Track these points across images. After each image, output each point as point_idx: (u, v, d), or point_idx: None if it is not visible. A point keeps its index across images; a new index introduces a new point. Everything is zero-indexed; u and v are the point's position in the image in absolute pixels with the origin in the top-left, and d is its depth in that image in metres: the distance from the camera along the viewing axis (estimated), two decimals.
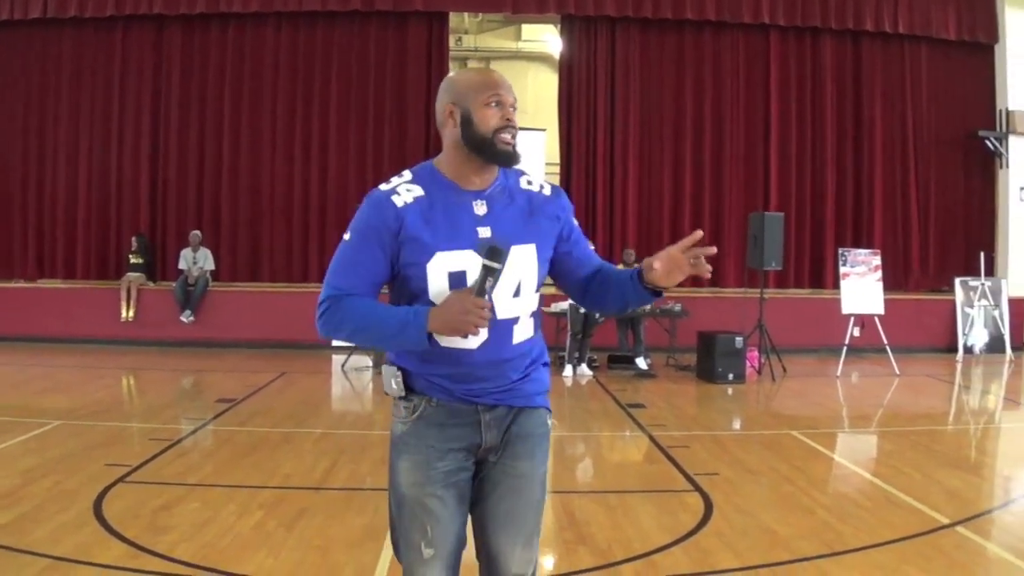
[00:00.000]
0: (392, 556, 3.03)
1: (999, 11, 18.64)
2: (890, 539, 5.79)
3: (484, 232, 2.78)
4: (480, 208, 2.82)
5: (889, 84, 18.80)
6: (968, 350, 16.77)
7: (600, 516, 6.30)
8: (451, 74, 3.00)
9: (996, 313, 17.11)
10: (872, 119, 18.63)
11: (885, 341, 14.12)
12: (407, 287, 2.80)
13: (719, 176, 18.02)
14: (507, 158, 2.85)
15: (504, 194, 2.89)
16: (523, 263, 2.83)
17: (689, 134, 18.11)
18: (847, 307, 14.35)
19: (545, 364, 3.05)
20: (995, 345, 16.90)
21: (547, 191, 3.01)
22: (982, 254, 17.29)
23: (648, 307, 13.28)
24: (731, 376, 12.78)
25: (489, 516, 2.92)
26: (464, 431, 2.87)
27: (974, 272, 17.27)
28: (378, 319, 2.76)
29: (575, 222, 3.08)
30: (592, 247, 3.19)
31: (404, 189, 2.79)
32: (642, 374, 13.45)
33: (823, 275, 17.90)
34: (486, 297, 2.64)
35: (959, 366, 15.72)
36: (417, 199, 2.76)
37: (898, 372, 13.87)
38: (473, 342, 2.76)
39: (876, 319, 14.31)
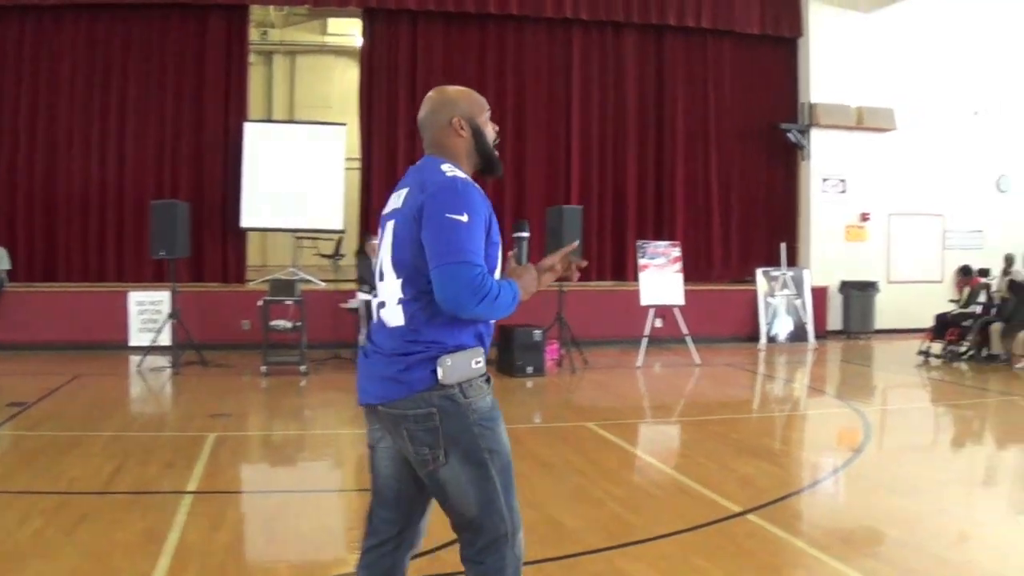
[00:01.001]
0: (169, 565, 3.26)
1: (803, 6, 20.26)
2: (679, 529, 6.21)
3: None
4: None
5: (692, 78, 20.04)
6: (771, 339, 18.24)
7: None
8: (446, 90, 3.56)
9: (799, 302, 18.67)
10: (674, 113, 19.81)
11: (685, 331, 15.11)
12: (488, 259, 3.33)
13: (521, 170, 18.80)
14: (500, 167, 3.61)
15: None
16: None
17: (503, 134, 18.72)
18: (646, 299, 15.23)
19: None
20: (798, 334, 18.49)
21: None
22: (783, 245, 18.79)
23: None
24: (530, 369, 13.56)
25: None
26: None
27: (777, 263, 18.74)
28: (507, 291, 3.31)
29: None
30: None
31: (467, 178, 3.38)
32: None
33: (625, 267, 18.86)
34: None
35: (761, 355, 17.06)
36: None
37: (699, 362, 14.88)
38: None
39: (676, 310, 15.28)
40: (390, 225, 3.41)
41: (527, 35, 19.20)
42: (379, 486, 3.56)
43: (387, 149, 18.56)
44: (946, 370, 15.49)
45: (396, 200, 3.45)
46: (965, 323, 16.46)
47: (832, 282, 20.11)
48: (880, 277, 20.44)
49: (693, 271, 18.68)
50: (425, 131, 3.53)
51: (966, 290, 17.48)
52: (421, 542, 3.74)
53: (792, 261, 19.87)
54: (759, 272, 18.93)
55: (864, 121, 20.38)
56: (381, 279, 3.42)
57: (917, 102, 20.87)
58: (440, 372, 3.26)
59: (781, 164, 20.80)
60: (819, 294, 19.60)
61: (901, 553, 5.97)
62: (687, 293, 16.07)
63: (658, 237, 18.07)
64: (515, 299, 3.32)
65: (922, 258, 21.10)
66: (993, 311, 16.38)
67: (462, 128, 3.46)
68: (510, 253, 3.55)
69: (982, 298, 17.02)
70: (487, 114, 3.55)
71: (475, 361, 3.34)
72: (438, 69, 18.62)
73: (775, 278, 18.88)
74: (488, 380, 3.43)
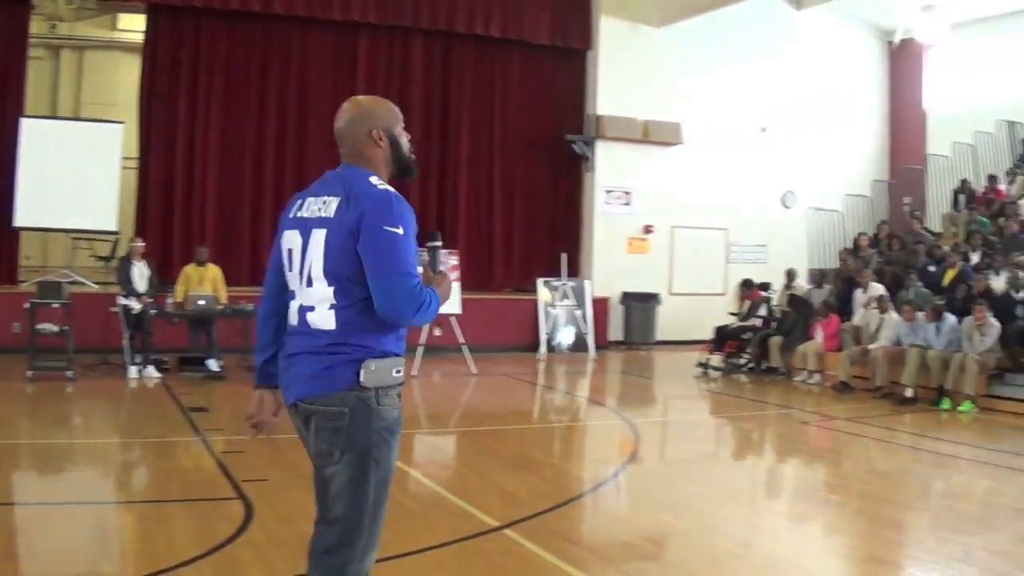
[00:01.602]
0: None
1: (594, 18, 20.57)
2: (432, 544, 6.04)
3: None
4: None
5: (479, 86, 20.17)
6: (552, 349, 18.43)
7: (131, 528, 6.21)
8: (363, 101, 3.77)
9: (579, 313, 18.92)
10: (460, 120, 19.91)
11: (461, 340, 15.18)
12: None
13: (302, 173, 18.41)
14: (415, 172, 3.88)
15: None
16: None
17: (272, 130, 18.57)
18: None
19: None
20: (579, 344, 18.69)
21: None
22: (564, 255, 19.07)
23: (220, 307, 14.21)
24: None
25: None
26: None
27: (559, 273, 18.96)
28: (435, 300, 3.53)
29: None
30: None
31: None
32: (212, 376, 13.66)
33: None
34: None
35: (541, 365, 17.20)
36: None
37: (475, 372, 14.92)
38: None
39: (453, 319, 15.30)
40: (319, 233, 3.49)
41: (313, 37, 18.95)
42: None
43: (165, 149, 17.93)
44: (725, 382, 15.92)
45: (320, 207, 3.55)
46: (745, 336, 16.92)
47: (614, 293, 20.46)
48: (662, 289, 20.92)
49: (474, 280, 18.79)
50: (344, 141, 3.70)
51: (747, 303, 18.00)
52: None
53: (574, 271, 20.11)
54: (540, 282, 19.16)
55: (650, 135, 20.83)
56: (308, 285, 3.51)
57: (705, 117, 21.51)
58: (363, 374, 3.42)
59: (566, 175, 21.11)
60: (600, 305, 19.94)
61: (661, 571, 5.98)
62: (468, 302, 16.11)
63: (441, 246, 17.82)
64: (438, 306, 3.54)
65: (705, 271, 21.70)
66: (773, 324, 16.85)
67: (381, 139, 3.67)
68: (424, 262, 3.71)
69: (763, 311, 17.55)
70: (402, 124, 3.77)
71: (396, 370, 3.52)
72: (221, 68, 18.21)
73: (556, 288, 19.15)
74: (399, 394, 3.57)
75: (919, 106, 24.04)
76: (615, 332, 20.48)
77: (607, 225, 20.79)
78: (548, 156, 20.79)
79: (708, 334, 17.31)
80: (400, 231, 3.43)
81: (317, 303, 3.48)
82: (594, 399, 14.58)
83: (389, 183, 3.62)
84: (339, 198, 3.49)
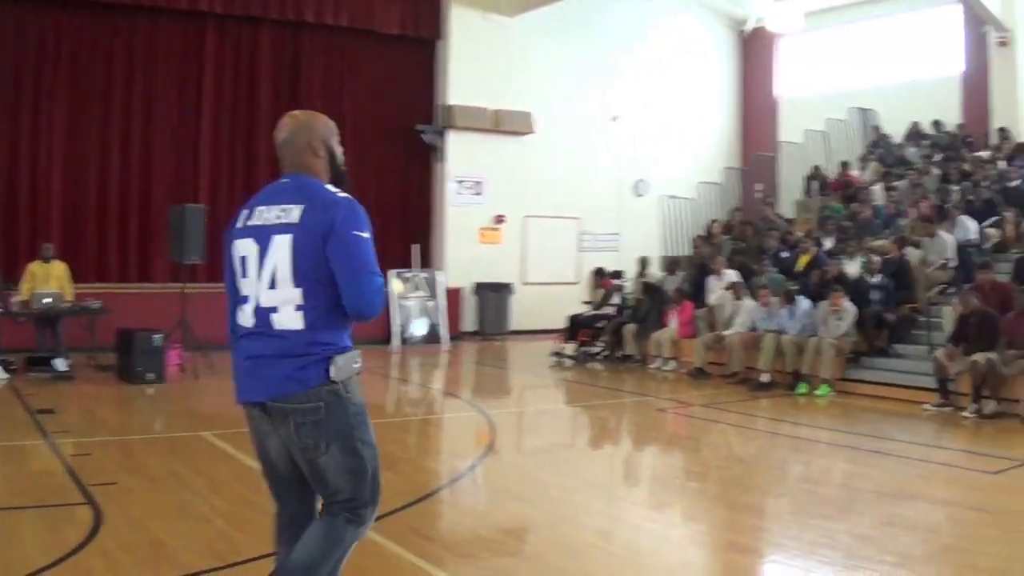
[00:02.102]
0: None
1: (444, 7, 20.38)
2: None
3: None
4: None
5: (329, 76, 19.88)
6: (405, 341, 18.24)
7: None
8: (301, 115, 4.12)
9: (432, 304, 18.82)
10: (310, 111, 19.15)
11: None
12: None
13: (148, 167, 18.07)
14: (348, 182, 4.05)
15: None
16: None
17: (117, 123, 17.92)
18: None
19: None
20: (432, 336, 18.61)
21: None
22: (416, 246, 18.92)
23: (66, 304, 13.79)
24: (151, 376, 13.12)
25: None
26: None
27: (411, 264, 18.83)
28: None
29: None
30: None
31: None
32: (60, 376, 13.27)
33: None
34: None
35: (394, 358, 16.97)
36: None
37: None
38: None
39: None
40: (283, 239, 3.72)
41: (160, 27, 18.23)
42: (276, 471, 4.00)
43: (8, 144, 17.13)
44: (580, 371, 15.79)
45: (279, 215, 3.79)
46: (599, 324, 16.83)
47: (466, 284, 20.32)
48: (515, 279, 20.81)
49: None
50: (285, 152, 4.02)
51: (600, 292, 17.92)
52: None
53: (426, 262, 20.02)
54: (393, 274, 18.80)
55: (501, 124, 20.76)
56: (271, 287, 3.73)
57: (556, 106, 21.51)
58: (332, 370, 3.74)
59: (417, 165, 20.93)
60: (453, 296, 19.83)
61: (519, 565, 5.78)
62: None
63: None
64: None
65: (558, 260, 21.66)
66: (627, 312, 16.78)
67: (319, 150, 3.99)
68: None
69: (616, 300, 17.49)
70: (337, 137, 4.09)
71: (355, 361, 3.88)
72: (64, 61, 17.41)
73: (409, 279, 18.93)
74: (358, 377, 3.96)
75: (770, 94, 24.48)
76: (468, 323, 20.39)
77: (459, 215, 20.65)
78: (399, 147, 20.59)
79: (562, 323, 17.22)
80: (366, 235, 3.75)
81: (281, 304, 3.72)
82: (449, 391, 14.39)
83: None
84: (302, 206, 3.76)
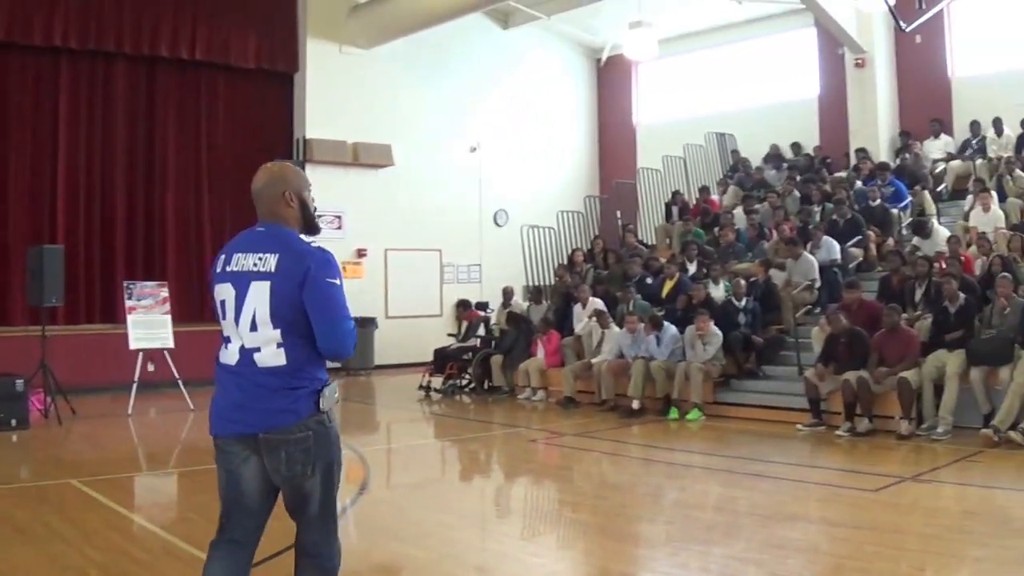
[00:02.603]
0: None
1: (301, 41, 20.23)
2: None
3: None
4: None
5: (185, 111, 19.52)
6: None
7: None
8: (274, 168, 4.33)
9: None
10: (166, 147, 19.20)
11: (177, 375, 14.51)
12: None
13: (3, 207, 17.59)
14: (319, 229, 4.46)
15: None
16: None
17: None
18: (135, 342, 14.68)
19: None
20: None
21: None
22: None
23: None
24: (14, 422, 12.78)
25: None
26: None
27: None
28: None
29: None
30: None
31: None
32: None
33: (115, 309, 17.55)
34: None
35: None
36: None
37: (192, 407, 14.16)
38: None
39: (166, 353, 14.71)
40: (261, 285, 4.03)
41: (11, 62, 17.63)
42: (245, 501, 4.21)
43: None
44: (449, 404, 15.57)
45: (256, 262, 4.09)
46: (465, 356, 16.62)
47: None
48: (378, 312, 20.50)
49: (186, 312, 18.12)
50: (260, 201, 4.27)
51: (464, 323, 17.72)
52: None
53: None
54: None
55: (360, 157, 20.64)
56: (253, 329, 4.03)
57: (416, 138, 21.48)
58: (322, 402, 4.06)
59: None
60: None
61: None
62: (181, 335, 15.41)
63: (149, 276, 17.28)
64: None
65: (421, 293, 21.52)
66: (493, 343, 16.60)
67: (292, 200, 4.26)
68: None
69: (481, 331, 17.31)
70: (309, 188, 4.38)
71: (336, 392, 4.17)
72: None
73: None
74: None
75: (629, 121, 24.78)
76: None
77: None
78: None
79: (427, 356, 17.02)
80: (338, 282, 4.11)
81: (264, 344, 4.03)
82: None
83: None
84: (277, 255, 4.08)
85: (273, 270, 4.04)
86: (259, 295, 4.04)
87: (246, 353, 4.06)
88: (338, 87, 20.43)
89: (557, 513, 8.55)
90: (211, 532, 6.87)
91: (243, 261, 4.14)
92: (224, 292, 4.14)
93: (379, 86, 20.92)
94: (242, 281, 4.09)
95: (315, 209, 4.44)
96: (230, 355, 4.11)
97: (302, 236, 4.28)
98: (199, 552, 6.34)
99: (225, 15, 19.41)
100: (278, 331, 4.02)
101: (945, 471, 9.10)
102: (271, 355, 4.03)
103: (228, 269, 4.17)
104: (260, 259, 4.10)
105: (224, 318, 4.12)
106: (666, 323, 13.87)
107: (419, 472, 10.50)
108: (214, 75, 19.89)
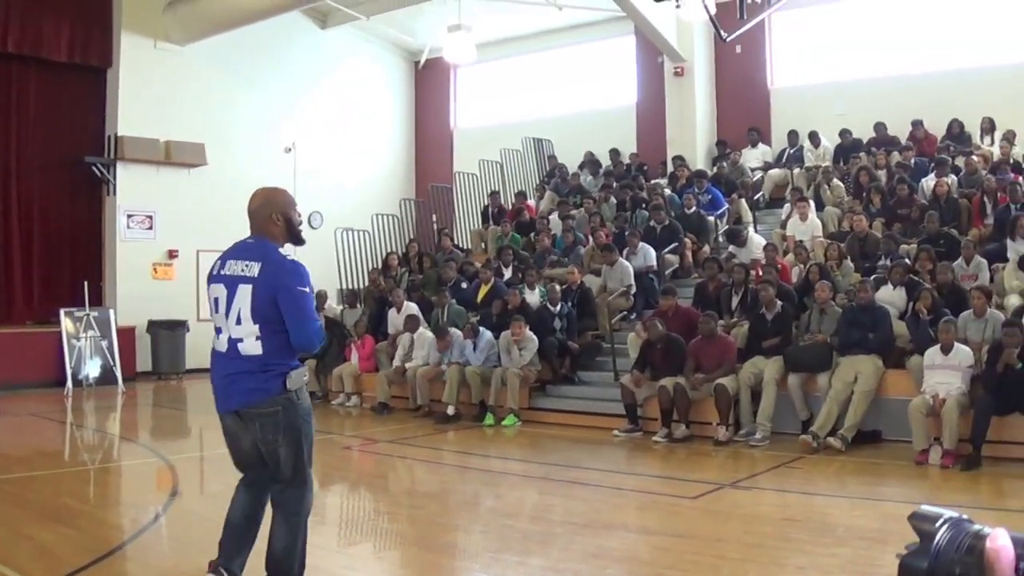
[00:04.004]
0: None
1: (115, 35, 19.41)
2: None
3: None
4: None
5: None
6: (79, 383, 17.22)
7: None
8: (265, 192, 5.17)
9: (105, 344, 17.68)
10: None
11: None
12: None
13: None
14: (303, 241, 5.21)
15: None
16: None
17: None
18: None
19: None
20: (107, 377, 17.50)
21: None
22: (86, 283, 17.72)
23: None
24: None
25: None
26: None
27: (83, 302, 17.57)
28: None
29: None
30: None
31: None
32: None
33: None
34: None
35: (69, 401, 16.09)
36: None
37: None
38: None
39: None
40: (246, 288, 4.85)
41: None
42: (245, 459, 5.14)
43: None
44: None
45: (243, 268, 4.90)
46: None
47: (140, 322, 19.20)
48: (190, 315, 19.66)
49: None
50: (253, 219, 5.08)
51: None
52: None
53: (98, 300, 18.86)
54: (63, 312, 17.68)
55: (172, 156, 19.92)
56: (238, 323, 4.87)
57: (230, 137, 20.89)
58: (288, 382, 4.90)
59: (87, 199, 19.82)
60: (126, 334, 18.69)
61: None
62: None
63: None
64: None
65: None
66: None
67: (278, 220, 5.06)
68: None
69: None
70: (295, 207, 5.18)
71: (304, 376, 5.02)
72: None
73: (80, 319, 17.64)
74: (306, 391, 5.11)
75: (446, 124, 24.60)
76: (144, 362, 19.36)
77: (130, 251, 19.66)
78: (68, 180, 19.50)
79: None
80: (307, 290, 4.92)
81: (246, 336, 4.85)
82: (126, 436, 13.40)
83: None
84: (260, 263, 4.87)
85: (256, 276, 4.87)
86: (244, 296, 4.87)
87: (232, 342, 4.90)
88: (152, 84, 19.65)
89: (373, 523, 8.33)
90: (14, 544, 6.86)
91: (234, 267, 4.95)
92: (218, 291, 4.96)
93: (194, 84, 20.26)
94: (232, 283, 4.92)
95: (300, 223, 5.19)
96: (221, 343, 4.97)
97: (287, 246, 5.07)
98: (1, 566, 6.08)
99: (38, 5, 18.47)
100: (257, 326, 4.85)
101: (764, 477, 9.14)
102: (251, 345, 4.87)
103: (222, 272, 4.98)
104: (247, 266, 4.92)
105: (216, 312, 4.97)
106: (481, 328, 13.71)
107: (230, 480, 9.93)
108: (25, 68, 19.03)
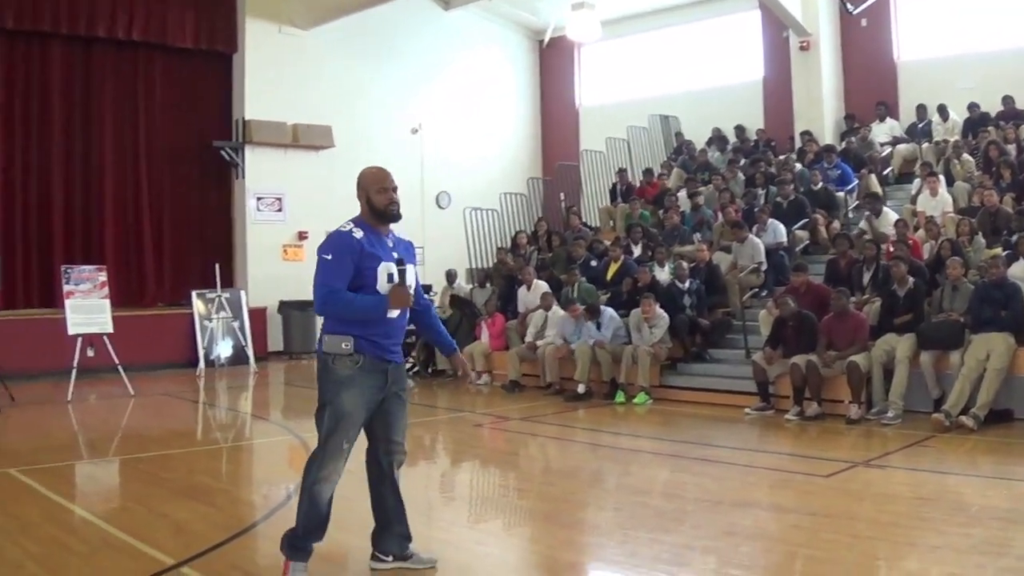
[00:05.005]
0: None
1: (240, 21, 19.88)
2: None
3: (395, 256, 5.42)
4: (389, 243, 5.49)
5: (121, 92, 19.17)
6: (211, 364, 17.71)
7: None
8: (361, 172, 5.54)
9: (236, 324, 18.13)
10: (103, 129, 18.86)
11: (117, 360, 14.26)
12: (363, 280, 5.34)
13: None
14: (392, 218, 5.48)
15: (397, 238, 5.59)
16: (411, 274, 5.48)
17: None
18: (73, 327, 14.40)
19: None
20: (239, 357, 17.99)
21: (409, 240, 5.72)
22: (217, 265, 18.18)
23: None
24: None
25: (389, 422, 5.62)
26: (379, 376, 5.47)
27: (213, 284, 18.09)
28: (362, 302, 5.34)
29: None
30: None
31: (356, 231, 5.38)
32: None
33: (53, 294, 17.14)
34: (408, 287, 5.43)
35: (201, 381, 16.48)
36: (364, 235, 5.38)
37: (133, 392, 14.07)
38: (395, 313, 5.42)
39: (106, 338, 14.46)
40: None
41: None
42: None
43: None
44: None
45: None
46: (409, 340, 16.36)
47: (271, 302, 19.69)
48: None
49: (126, 295, 18.07)
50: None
51: None
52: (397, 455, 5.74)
53: (229, 282, 19.40)
54: (195, 294, 18.22)
55: (300, 138, 20.35)
56: None
57: (356, 119, 21.21)
58: (323, 344, 5.41)
59: (215, 183, 20.33)
60: (258, 315, 19.18)
61: None
62: (120, 319, 15.20)
63: (87, 260, 16.89)
64: (374, 306, 5.31)
65: None
66: None
67: (361, 198, 5.47)
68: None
69: None
70: (378, 186, 5.43)
71: (344, 344, 5.32)
72: None
73: (211, 300, 18.19)
74: (357, 362, 5.35)
75: (572, 103, 24.62)
76: (275, 342, 19.86)
77: (260, 233, 20.17)
78: (197, 164, 20.02)
79: None
80: (329, 257, 5.28)
81: None
82: (258, 414, 13.79)
83: (376, 224, 5.44)
84: None
85: None
86: None
87: None
88: (278, 68, 20.08)
89: (504, 500, 8.38)
90: (152, 522, 6.95)
91: None
92: None
93: (320, 68, 20.62)
94: None
95: (388, 202, 5.40)
96: None
97: (349, 222, 5.41)
98: (139, 543, 6.25)
99: None
100: None
101: (896, 456, 9.02)
102: None
103: None
104: None
105: None
106: (603, 307, 13.76)
107: (361, 458, 10.21)
108: (151, 56, 19.51)
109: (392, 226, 5.46)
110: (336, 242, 5.31)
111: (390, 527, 5.69)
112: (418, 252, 19.34)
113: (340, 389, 5.30)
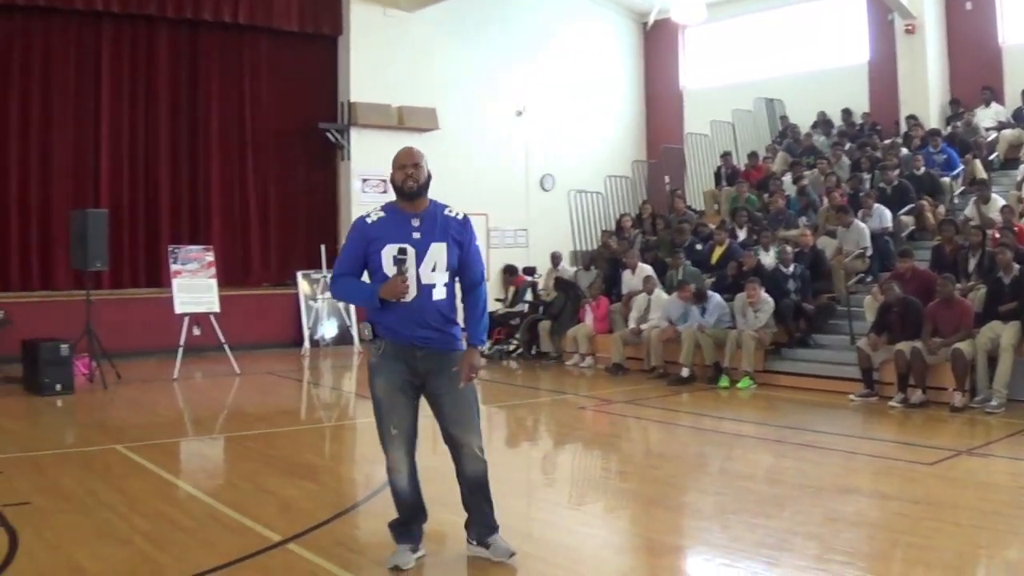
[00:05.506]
0: None
1: (344, 3, 20.05)
2: (212, 567, 5.45)
3: (416, 235, 5.34)
4: (415, 222, 5.38)
5: (227, 75, 19.41)
6: (316, 343, 18.09)
7: None
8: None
9: (342, 305, 18.40)
10: (209, 112, 19.11)
11: (223, 339, 14.57)
12: (372, 264, 5.36)
13: (46, 171, 17.43)
14: (409, 195, 5.43)
15: (431, 215, 5.43)
16: (438, 252, 5.35)
17: (14, 127, 17.25)
18: (180, 306, 14.76)
19: (457, 323, 5.53)
20: (343, 337, 18.37)
21: (459, 217, 5.55)
22: (323, 246, 18.35)
23: None
24: (59, 387, 12.69)
25: (441, 412, 5.69)
26: (404, 361, 5.39)
27: (318, 265, 18.33)
28: (354, 290, 5.55)
29: (475, 242, 5.62)
30: (482, 266, 5.78)
31: (375, 214, 5.47)
32: None
33: (160, 273, 17.53)
34: (405, 275, 5.21)
35: (306, 361, 16.80)
36: (379, 218, 5.43)
37: (239, 371, 14.39)
38: (408, 298, 5.26)
39: (212, 317, 14.78)
40: None
41: (54, 27, 17.53)
42: None
43: None
44: (496, 369, 15.59)
45: None
46: (513, 322, 16.62)
47: None
48: None
49: (231, 275, 18.31)
50: None
51: (512, 289, 17.69)
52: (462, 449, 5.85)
53: (334, 263, 19.33)
54: (300, 275, 18.64)
55: (405, 120, 20.45)
56: None
57: (460, 102, 21.30)
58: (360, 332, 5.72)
59: (321, 164, 20.56)
60: None
61: (447, 572, 5.70)
62: (226, 299, 15.55)
63: (194, 241, 17.30)
64: (365, 296, 5.39)
65: None
66: (541, 309, 16.58)
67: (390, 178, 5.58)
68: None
69: (528, 296, 17.28)
70: (397, 164, 5.52)
71: (366, 331, 5.41)
72: None
73: (316, 281, 18.55)
74: (379, 348, 5.40)
75: (676, 85, 24.45)
76: None
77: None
78: (302, 145, 20.21)
79: None
80: (345, 242, 5.54)
81: None
82: (362, 394, 13.79)
83: (401, 202, 5.51)
84: None
85: None
86: None
87: None
88: (382, 50, 20.20)
89: (605, 482, 8.49)
90: (258, 499, 7.14)
91: None
92: None
93: (423, 50, 20.66)
94: None
95: (404, 178, 5.43)
96: None
97: (403, 199, 5.45)
98: (246, 519, 6.48)
99: None
100: None
101: (1000, 445, 8.99)
102: None
103: None
104: None
105: None
106: (711, 293, 13.80)
107: None
108: (257, 38, 19.73)
109: (484, 207, 5.59)
110: (352, 227, 5.48)
111: (470, 514, 5.75)
112: (523, 234, 19.41)
113: (373, 376, 5.45)
